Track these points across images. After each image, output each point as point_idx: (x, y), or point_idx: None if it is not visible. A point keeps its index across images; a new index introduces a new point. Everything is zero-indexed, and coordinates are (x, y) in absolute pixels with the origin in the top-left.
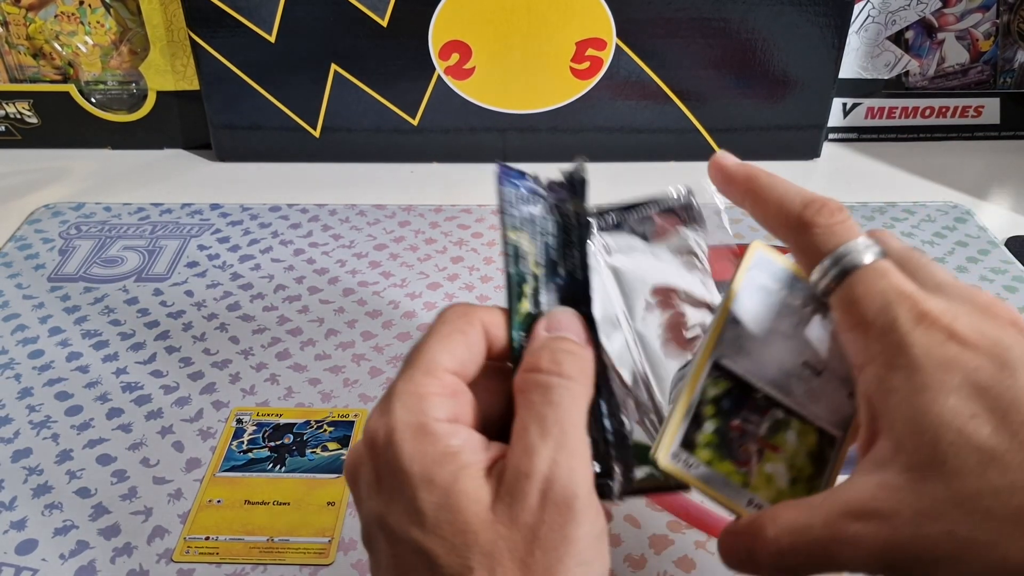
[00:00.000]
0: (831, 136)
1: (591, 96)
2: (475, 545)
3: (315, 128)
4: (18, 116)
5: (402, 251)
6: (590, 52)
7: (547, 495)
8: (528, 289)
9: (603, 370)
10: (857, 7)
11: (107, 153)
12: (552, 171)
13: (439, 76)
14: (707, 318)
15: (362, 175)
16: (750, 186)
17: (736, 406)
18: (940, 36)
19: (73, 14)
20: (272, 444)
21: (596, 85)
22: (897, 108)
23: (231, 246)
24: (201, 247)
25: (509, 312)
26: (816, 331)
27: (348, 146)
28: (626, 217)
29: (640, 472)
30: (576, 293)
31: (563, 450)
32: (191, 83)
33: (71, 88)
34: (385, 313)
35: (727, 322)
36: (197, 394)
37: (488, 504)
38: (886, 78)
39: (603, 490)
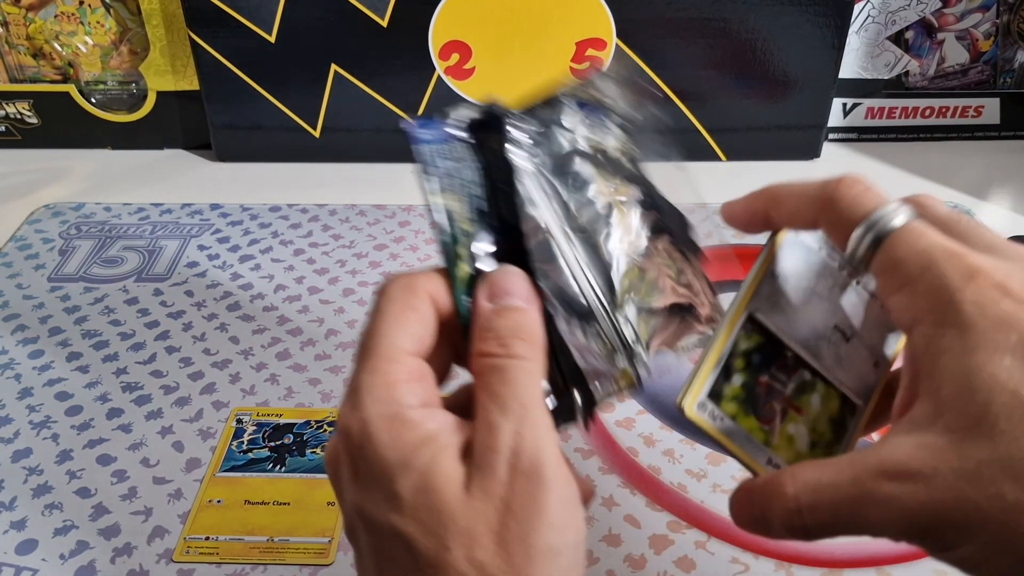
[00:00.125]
0: (831, 136)
1: None
2: (452, 524)
3: (315, 128)
4: (18, 116)
5: (402, 251)
6: (590, 52)
7: (515, 466)
8: (463, 251)
9: (548, 309)
10: (857, 7)
11: (107, 153)
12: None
13: (439, 76)
14: (640, 195)
15: (362, 175)
16: (768, 197)
17: (765, 362)
18: (940, 36)
19: (73, 14)
20: (272, 444)
21: None
22: (897, 108)
23: (231, 246)
24: (201, 247)
25: (450, 277)
26: (850, 297)
27: (348, 146)
28: (547, 114)
29: (599, 391)
30: (511, 234)
31: (525, 423)
32: (191, 83)
33: (71, 88)
34: None
35: (766, 275)
36: (197, 394)
37: (463, 483)
38: (886, 78)
39: (565, 415)
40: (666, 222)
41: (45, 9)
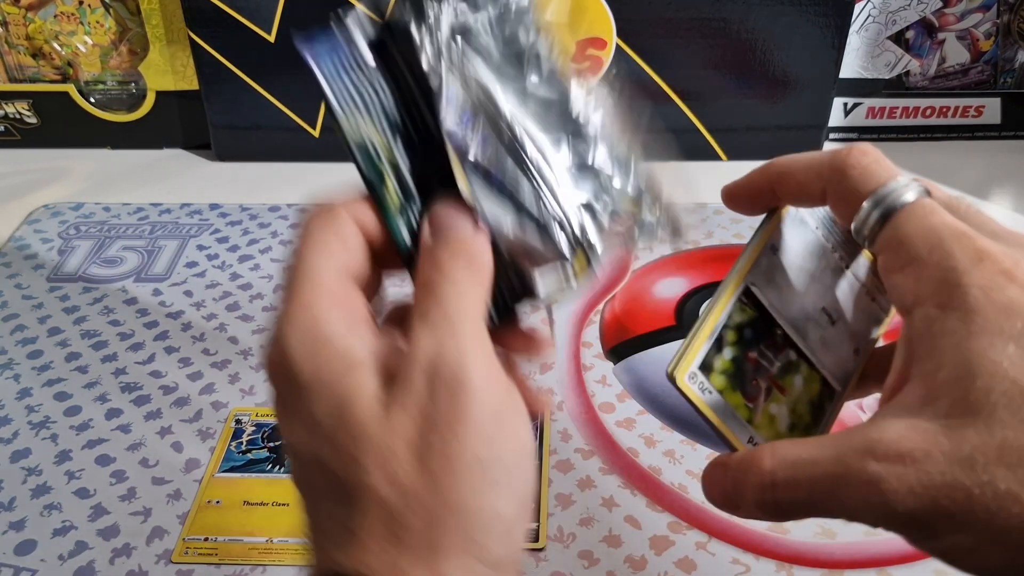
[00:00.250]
0: (832, 136)
1: None
2: (367, 444)
3: (314, 128)
4: (17, 116)
5: None
6: (590, 52)
7: (434, 377)
8: (389, 180)
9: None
10: (857, 7)
11: (106, 153)
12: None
13: None
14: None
15: None
16: (774, 171)
17: (756, 338)
18: (941, 36)
19: (72, 14)
20: (271, 445)
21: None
22: (898, 108)
23: (230, 246)
24: (200, 247)
25: (380, 206)
26: (839, 280)
27: None
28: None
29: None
30: (436, 146)
31: (449, 335)
32: (191, 83)
33: (70, 88)
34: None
35: (765, 248)
36: (196, 394)
37: (379, 398)
38: (887, 78)
39: (507, 312)
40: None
41: (44, 9)
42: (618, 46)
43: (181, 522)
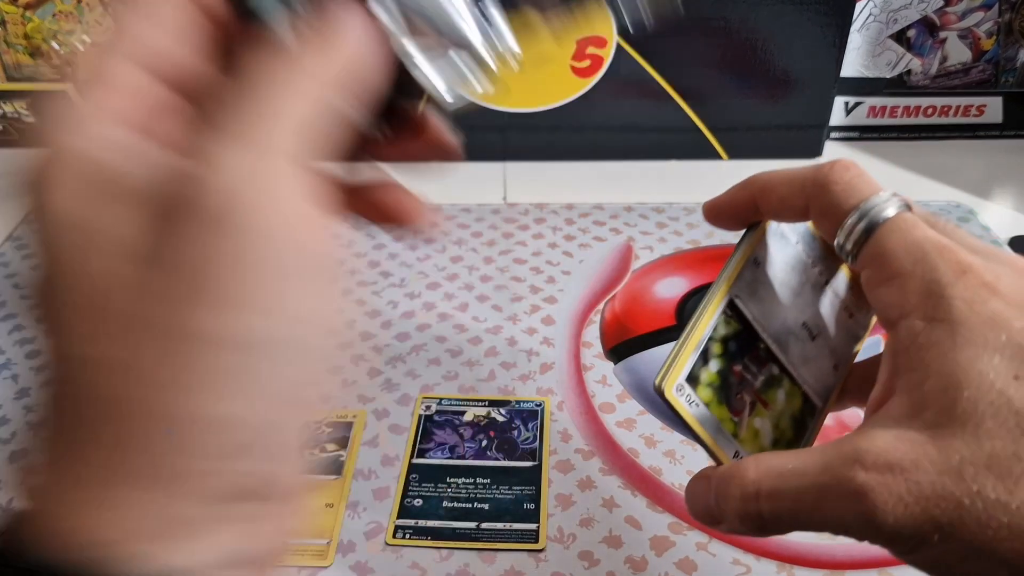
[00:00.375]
0: (833, 135)
1: (592, 95)
2: (102, 314)
3: None
4: (16, 115)
5: (401, 250)
6: (591, 50)
7: (195, 205)
8: None
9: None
10: (858, 6)
11: None
12: (552, 169)
13: None
14: None
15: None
16: (756, 186)
17: (740, 351)
18: (942, 35)
19: (71, 13)
20: None
21: (597, 84)
22: (899, 107)
23: None
24: None
25: None
26: (819, 296)
27: None
28: None
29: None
30: None
31: (256, 156)
32: None
33: (69, 87)
34: (384, 313)
35: (748, 262)
36: None
37: (133, 243)
38: (888, 77)
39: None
40: None
41: (43, 8)
42: (619, 45)
43: None
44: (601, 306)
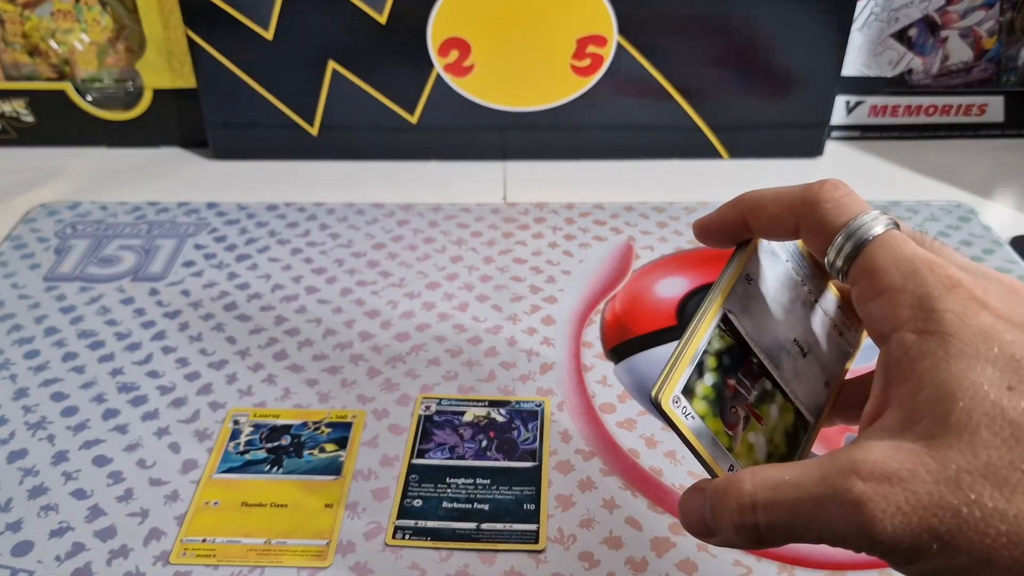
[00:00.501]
0: (834, 134)
1: (592, 93)
2: None
3: (313, 126)
4: (14, 114)
5: (401, 250)
6: (591, 49)
7: None
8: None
9: None
10: (860, 4)
11: (103, 151)
12: (552, 168)
13: (438, 73)
14: None
15: (360, 173)
16: (745, 204)
17: (734, 366)
18: (943, 34)
19: (69, 11)
20: (269, 446)
21: (597, 82)
22: (900, 106)
23: (228, 245)
24: (198, 246)
25: None
26: (809, 313)
27: (346, 144)
28: None
29: None
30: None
31: None
32: (188, 81)
33: (67, 86)
34: (383, 313)
35: (740, 277)
36: (194, 395)
37: None
38: (889, 76)
39: None
40: None
41: (41, 6)
42: (619, 43)
43: (179, 523)
44: (601, 306)
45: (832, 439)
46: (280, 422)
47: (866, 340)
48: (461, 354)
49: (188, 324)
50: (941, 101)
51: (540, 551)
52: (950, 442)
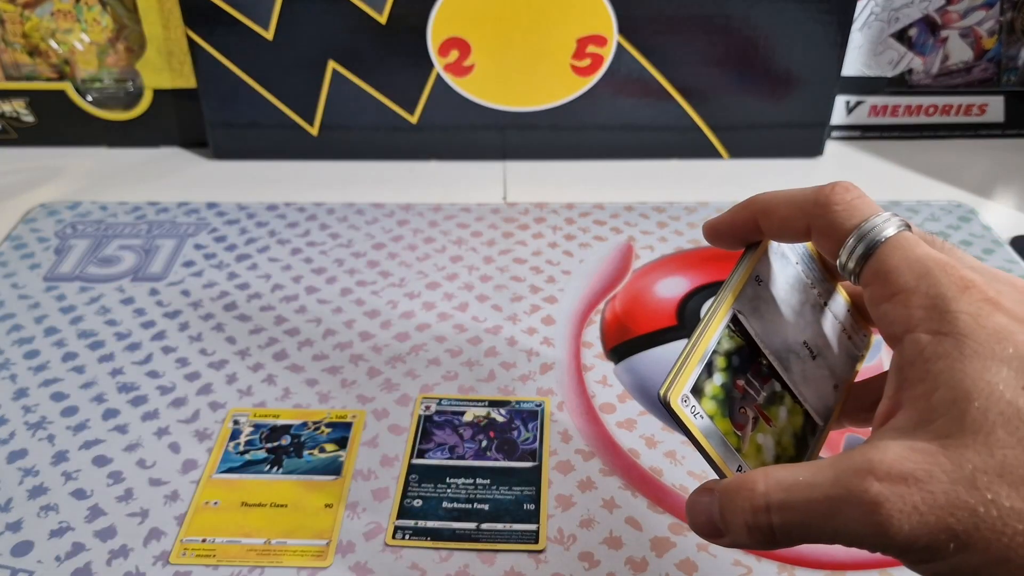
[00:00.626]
0: (834, 134)
1: (592, 93)
2: None
3: (313, 126)
4: (14, 114)
5: (401, 250)
6: (591, 49)
7: None
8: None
9: None
10: (860, 4)
11: (103, 151)
12: (552, 168)
13: (438, 73)
14: None
15: (360, 173)
16: (757, 207)
17: (743, 366)
18: (944, 33)
19: (69, 11)
20: (269, 446)
21: (597, 82)
22: (900, 106)
23: (228, 245)
24: (198, 246)
25: None
26: (819, 316)
27: (346, 144)
28: None
29: None
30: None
31: None
32: (188, 81)
33: (67, 86)
34: (383, 313)
35: (750, 278)
36: (194, 395)
37: None
38: (889, 76)
39: None
40: None
41: (41, 6)
42: (619, 43)
43: (179, 523)
44: (601, 306)
45: (831, 440)
46: (280, 422)
47: (873, 343)
48: (461, 354)
49: (188, 324)
50: (941, 101)
51: (540, 551)
52: (966, 442)
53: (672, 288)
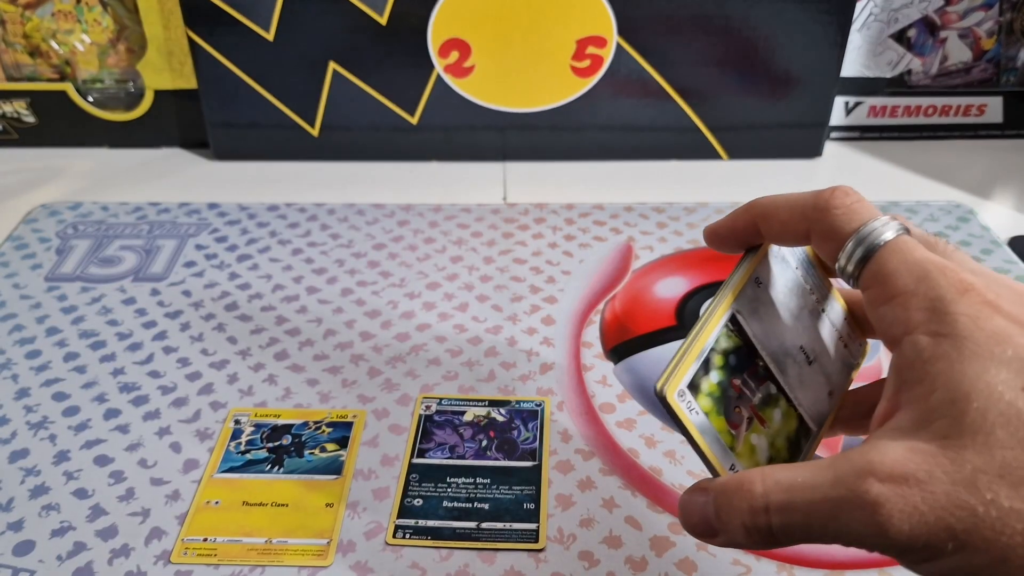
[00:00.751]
0: (833, 135)
1: (592, 94)
2: None
3: (313, 127)
4: (15, 115)
5: (401, 251)
6: (591, 50)
7: None
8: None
9: None
10: (859, 5)
11: (104, 152)
12: (552, 169)
13: (438, 74)
14: None
15: (361, 174)
16: (756, 210)
17: (740, 366)
18: (943, 34)
19: (70, 12)
20: (270, 445)
21: (597, 83)
22: (899, 107)
23: (229, 246)
24: (199, 247)
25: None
26: (816, 322)
27: (347, 145)
28: None
29: None
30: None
31: None
32: (189, 81)
33: (68, 87)
34: (384, 313)
35: (750, 279)
36: (195, 395)
37: None
38: (888, 76)
39: None
40: None
41: (42, 7)
42: (619, 44)
43: (180, 523)
44: (601, 306)
45: (829, 439)
46: (281, 422)
47: (868, 352)
48: (461, 354)
49: (189, 324)
50: (940, 102)
51: (540, 550)
52: (965, 442)
53: (671, 288)
